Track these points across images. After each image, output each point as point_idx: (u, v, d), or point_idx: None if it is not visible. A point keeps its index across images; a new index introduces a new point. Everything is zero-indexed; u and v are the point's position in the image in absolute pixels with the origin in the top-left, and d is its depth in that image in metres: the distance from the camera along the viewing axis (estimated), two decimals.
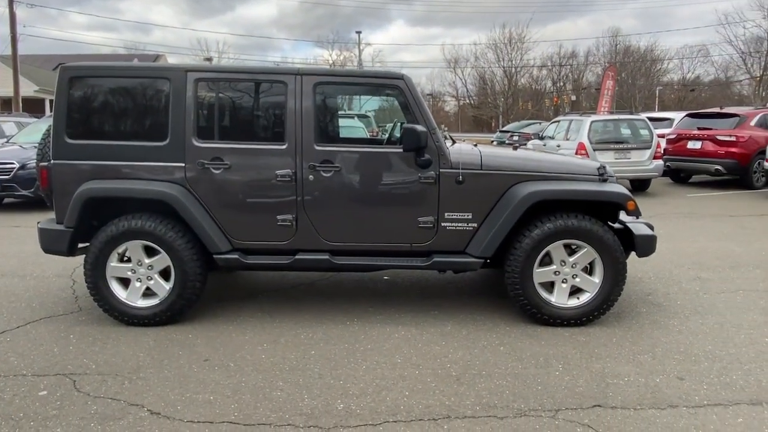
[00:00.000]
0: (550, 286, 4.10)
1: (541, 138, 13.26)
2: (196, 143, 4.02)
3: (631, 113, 12.28)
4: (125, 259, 4.12)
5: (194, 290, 4.08)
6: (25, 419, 2.85)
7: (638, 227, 4.20)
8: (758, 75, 43.23)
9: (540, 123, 22.73)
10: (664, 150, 11.88)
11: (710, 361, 3.50)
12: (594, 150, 10.67)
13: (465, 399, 3.05)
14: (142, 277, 4.10)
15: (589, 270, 4.09)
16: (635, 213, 4.05)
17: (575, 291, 4.11)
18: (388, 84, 4.09)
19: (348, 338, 3.90)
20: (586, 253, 4.01)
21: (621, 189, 4.12)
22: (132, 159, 4.04)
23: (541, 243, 3.97)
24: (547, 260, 4.07)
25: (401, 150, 3.99)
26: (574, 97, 59.18)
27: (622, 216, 4.33)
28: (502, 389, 3.16)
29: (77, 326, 4.11)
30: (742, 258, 6.03)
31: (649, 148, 10.91)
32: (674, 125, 13.45)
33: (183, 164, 4.03)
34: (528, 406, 2.98)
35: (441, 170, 4.03)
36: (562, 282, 4.06)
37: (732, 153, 11.23)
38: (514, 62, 58.63)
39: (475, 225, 4.10)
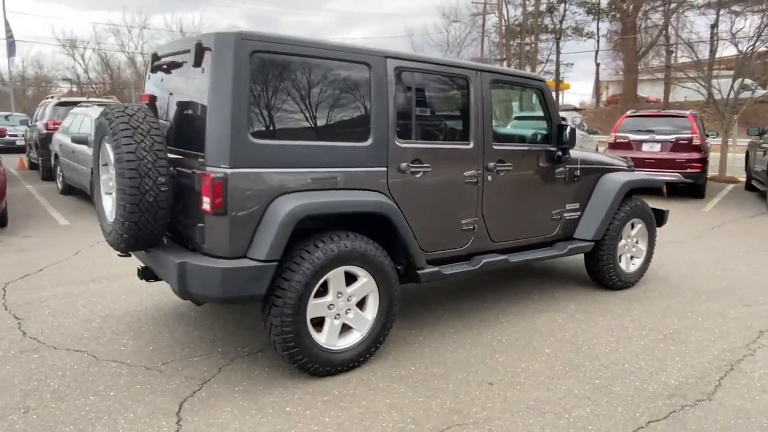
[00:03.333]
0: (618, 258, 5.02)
1: None
2: (398, 144, 3.41)
3: None
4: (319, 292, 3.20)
5: (394, 318, 3.47)
6: None
7: None
8: None
9: None
10: None
11: (745, 306, 4.97)
12: None
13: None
14: (340, 312, 3.25)
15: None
16: (663, 195, 5.33)
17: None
18: (535, 85, 4.27)
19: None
20: (642, 228, 5.09)
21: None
22: (330, 164, 3.16)
23: (624, 223, 4.85)
24: None
25: (554, 148, 4.28)
26: None
27: None
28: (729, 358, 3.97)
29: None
30: None
31: None
32: None
33: (385, 168, 3.37)
34: None
35: (567, 166, 4.47)
36: (627, 253, 5.04)
37: None
38: (142, 50, 54.73)
39: (580, 213, 4.70)
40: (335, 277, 3.17)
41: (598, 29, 40.84)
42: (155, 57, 3.60)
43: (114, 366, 3.35)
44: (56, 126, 11.12)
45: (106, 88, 48.79)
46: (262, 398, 3.01)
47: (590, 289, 5.01)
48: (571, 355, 3.63)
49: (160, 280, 3.64)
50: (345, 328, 3.32)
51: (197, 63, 2.98)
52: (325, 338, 3.20)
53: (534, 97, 4.41)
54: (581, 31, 40.54)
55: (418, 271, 3.54)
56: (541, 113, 4.37)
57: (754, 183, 11.40)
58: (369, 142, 3.30)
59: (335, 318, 3.24)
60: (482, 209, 3.91)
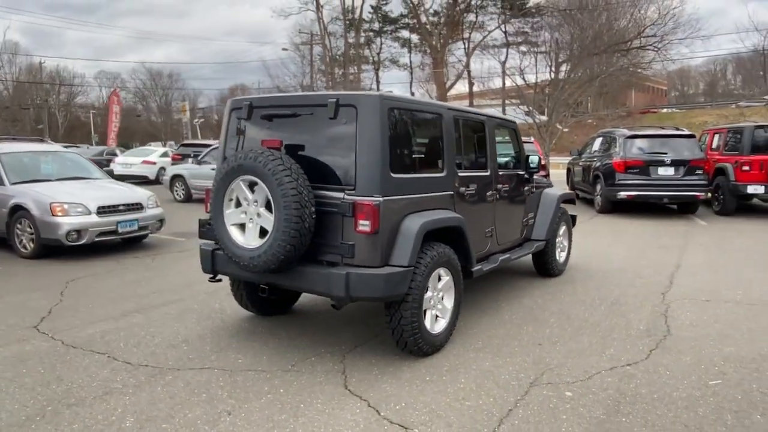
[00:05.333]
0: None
1: (200, 162, 13.90)
2: (459, 173, 4.50)
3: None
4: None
5: (460, 308, 4.51)
6: None
7: None
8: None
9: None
10: None
11: (640, 278, 6.97)
12: None
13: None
14: (435, 305, 4.22)
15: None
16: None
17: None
18: (509, 126, 5.66)
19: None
20: (565, 229, 6.77)
21: None
22: (425, 190, 4.15)
23: (559, 225, 6.49)
24: None
25: (523, 172, 5.73)
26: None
27: None
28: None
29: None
30: None
31: None
32: None
33: (452, 192, 4.43)
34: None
35: (529, 185, 5.95)
36: (559, 248, 6.69)
37: None
38: None
39: (533, 220, 6.20)
40: (434, 277, 4.14)
41: (410, 62, 45.34)
42: (251, 107, 4.19)
43: (252, 374, 3.87)
44: None
45: None
46: (401, 375, 3.85)
47: (536, 279, 6.53)
48: (569, 321, 5.03)
49: (285, 292, 4.22)
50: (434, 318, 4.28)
51: (335, 115, 3.76)
52: (429, 325, 4.13)
53: (508, 134, 5.84)
54: (397, 63, 44.58)
55: (472, 270, 4.65)
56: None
57: (577, 192, 14.47)
58: (444, 173, 4.35)
59: (432, 309, 4.19)
60: (495, 220, 5.16)
